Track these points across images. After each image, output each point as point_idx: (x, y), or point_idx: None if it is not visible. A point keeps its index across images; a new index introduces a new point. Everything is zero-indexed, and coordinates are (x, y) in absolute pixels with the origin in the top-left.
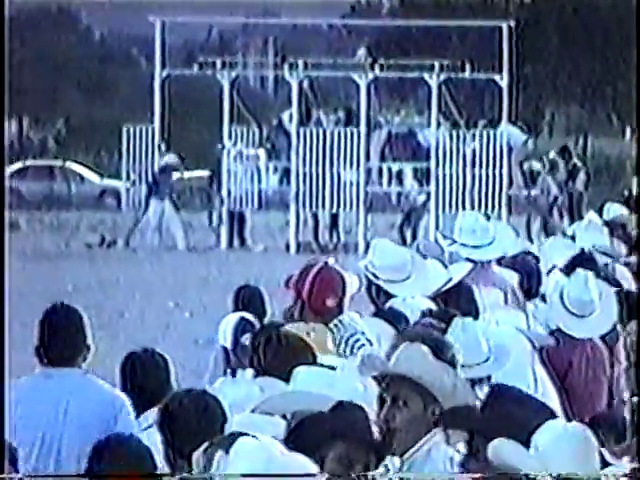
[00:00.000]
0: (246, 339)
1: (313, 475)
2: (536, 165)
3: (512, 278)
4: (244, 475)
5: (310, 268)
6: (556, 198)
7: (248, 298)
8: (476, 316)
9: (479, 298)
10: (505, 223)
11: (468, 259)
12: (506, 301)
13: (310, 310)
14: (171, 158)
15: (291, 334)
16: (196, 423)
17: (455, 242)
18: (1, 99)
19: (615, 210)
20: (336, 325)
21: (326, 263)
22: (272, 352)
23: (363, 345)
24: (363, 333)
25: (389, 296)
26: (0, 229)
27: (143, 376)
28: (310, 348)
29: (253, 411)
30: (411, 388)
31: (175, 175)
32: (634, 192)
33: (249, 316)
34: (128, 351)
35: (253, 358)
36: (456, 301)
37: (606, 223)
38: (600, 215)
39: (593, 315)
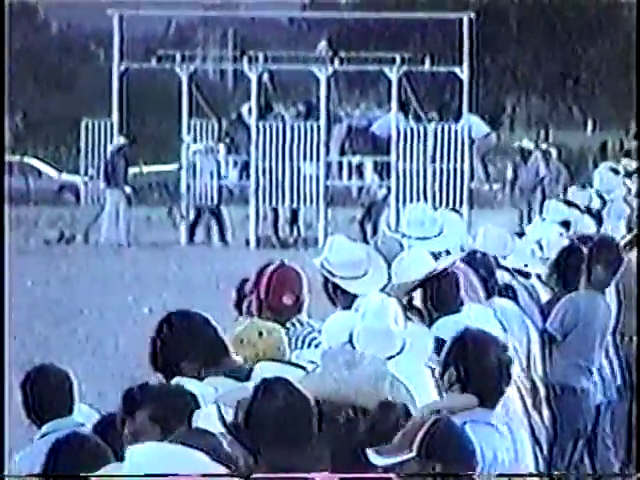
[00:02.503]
0: None
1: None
2: (528, 144)
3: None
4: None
5: (266, 267)
6: (542, 179)
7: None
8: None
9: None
10: (455, 214)
11: None
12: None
13: (267, 308)
14: (120, 140)
15: None
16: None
17: (404, 235)
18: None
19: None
20: (293, 324)
21: (282, 262)
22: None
23: (320, 343)
24: (320, 331)
25: (346, 293)
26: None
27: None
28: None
29: (215, 403)
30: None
31: (133, 170)
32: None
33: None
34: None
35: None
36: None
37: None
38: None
39: None
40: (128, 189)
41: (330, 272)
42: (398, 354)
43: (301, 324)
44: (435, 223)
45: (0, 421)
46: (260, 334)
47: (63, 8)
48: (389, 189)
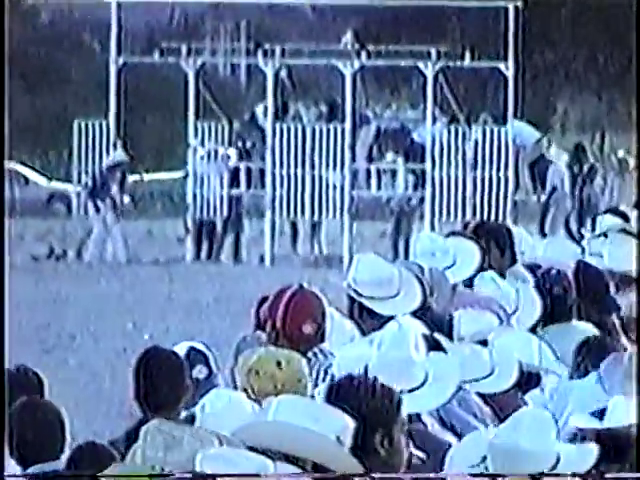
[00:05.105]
0: (199, 372)
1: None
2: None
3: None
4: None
5: (284, 292)
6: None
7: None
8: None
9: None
10: (469, 242)
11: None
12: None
13: (284, 338)
14: (119, 156)
15: None
16: None
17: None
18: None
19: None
20: (315, 354)
21: (301, 286)
22: None
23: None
24: None
25: (373, 316)
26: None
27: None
28: None
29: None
30: None
31: (132, 177)
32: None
33: (199, 346)
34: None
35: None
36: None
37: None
38: (593, 229)
39: None
40: (121, 201)
41: (357, 292)
42: (421, 387)
43: (324, 355)
44: (447, 253)
45: (0, 421)
46: (279, 364)
47: None
48: (423, 200)
